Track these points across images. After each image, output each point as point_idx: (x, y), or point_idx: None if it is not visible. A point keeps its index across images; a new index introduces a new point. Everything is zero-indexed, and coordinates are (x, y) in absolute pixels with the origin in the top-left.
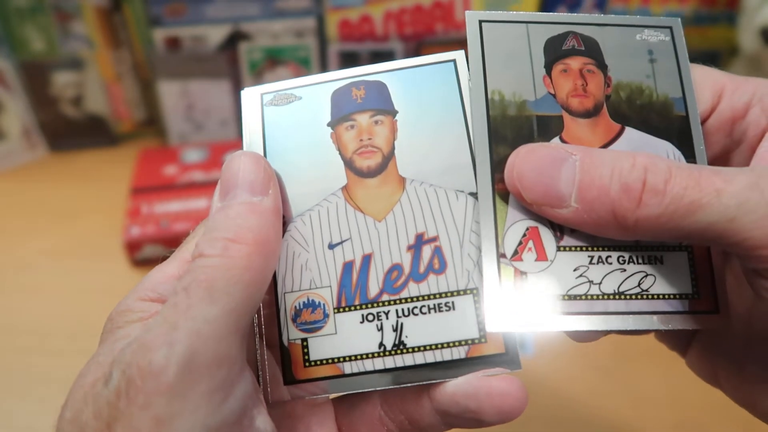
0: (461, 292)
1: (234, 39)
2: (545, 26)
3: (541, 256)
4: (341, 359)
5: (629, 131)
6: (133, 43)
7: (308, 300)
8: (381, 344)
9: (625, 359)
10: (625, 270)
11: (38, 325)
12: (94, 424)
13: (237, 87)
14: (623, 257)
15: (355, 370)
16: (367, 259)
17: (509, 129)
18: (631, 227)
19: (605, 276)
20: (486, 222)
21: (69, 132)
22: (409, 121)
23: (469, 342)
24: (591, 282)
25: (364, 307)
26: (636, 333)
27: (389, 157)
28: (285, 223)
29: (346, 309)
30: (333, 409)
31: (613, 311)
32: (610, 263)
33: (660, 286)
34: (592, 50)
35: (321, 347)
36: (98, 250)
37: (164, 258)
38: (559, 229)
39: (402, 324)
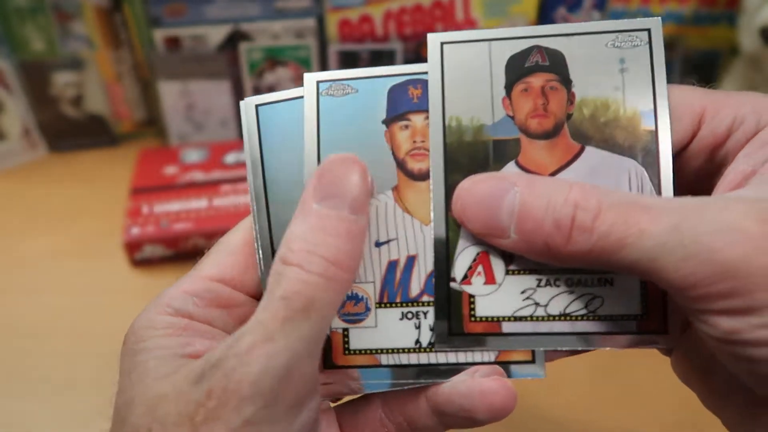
0: None
1: (234, 39)
2: (509, 42)
3: (490, 279)
4: (379, 351)
5: (589, 151)
6: (133, 43)
7: (352, 293)
8: (417, 341)
9: (624, 359)
10: (573, 292)
11: (38, 326)
12: (175, 419)
13: (237, 87)
14: (572, 279)
15: (391, 363)
16: (411, 260)
17: (465, 156)
18: (565, 260)
19: (552, 298)
20: (438, 247)
21: (69, 132)
22: None
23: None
24: (537, 304)
25: (404, 305)
26: (584, 352)
27: None
28: None
29: (388, 305)
30: (335, 415)
31: (558, 332)
32: (558, 285)
33: (608, 308)
34: (556, 65)
35: (361, 338)
36: (98, 250)
37: (202, 254)
38: (508, 253)
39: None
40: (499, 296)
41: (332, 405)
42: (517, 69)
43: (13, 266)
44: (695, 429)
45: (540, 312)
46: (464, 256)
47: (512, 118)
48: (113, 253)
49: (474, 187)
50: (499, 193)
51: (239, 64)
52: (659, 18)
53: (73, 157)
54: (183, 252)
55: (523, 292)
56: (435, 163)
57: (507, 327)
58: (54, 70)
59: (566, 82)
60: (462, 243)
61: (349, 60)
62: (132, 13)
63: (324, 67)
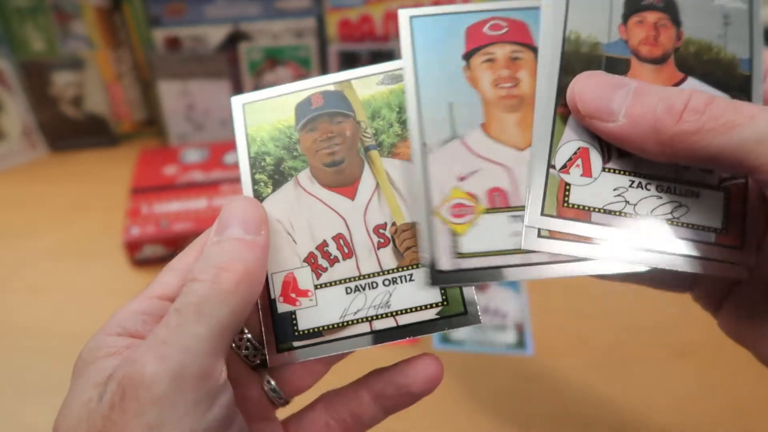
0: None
1: (234, 39)
2: None
3: (587, 172)
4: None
5: (691, 80)
6: (133, 43)
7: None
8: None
9: (625, 359)
10: (661, 197)
11: (38, 325)
12: None
13: (237, 87)
14: (662, 186)
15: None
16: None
17: (579, 63)
18: (667, 142)
19: (641, 199)
20: (543, 137)
21: (69, 132)
22: None
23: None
24: (627, 202)
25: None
26: (661, 274)
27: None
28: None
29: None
30: (281, 425)
31: (643, 230)
32: (649, 190)
33: (691, 217)
34: (669, 8)
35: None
36: (98, 250)
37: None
38: (607, 152)
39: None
40: (593, 189)
41: (277, 414)
42: (635, 4)
43: (13, 266)
44: (695, 429)
45: (629, 209)
46: (566, 148)
47: (625, 41)
48: (113, 253)
49: (593, 77)
50: (615, 86)
51: (239, 64)
52: None
53: (73, 157)
54: None
55: (615, 189)
56: (550, 65)
57: (596, 218)
58: (54, 70)
59: (676, 22)
60: (566, 136)
61: (348, 60)
62: (132, 13)
63: (324, 67)
